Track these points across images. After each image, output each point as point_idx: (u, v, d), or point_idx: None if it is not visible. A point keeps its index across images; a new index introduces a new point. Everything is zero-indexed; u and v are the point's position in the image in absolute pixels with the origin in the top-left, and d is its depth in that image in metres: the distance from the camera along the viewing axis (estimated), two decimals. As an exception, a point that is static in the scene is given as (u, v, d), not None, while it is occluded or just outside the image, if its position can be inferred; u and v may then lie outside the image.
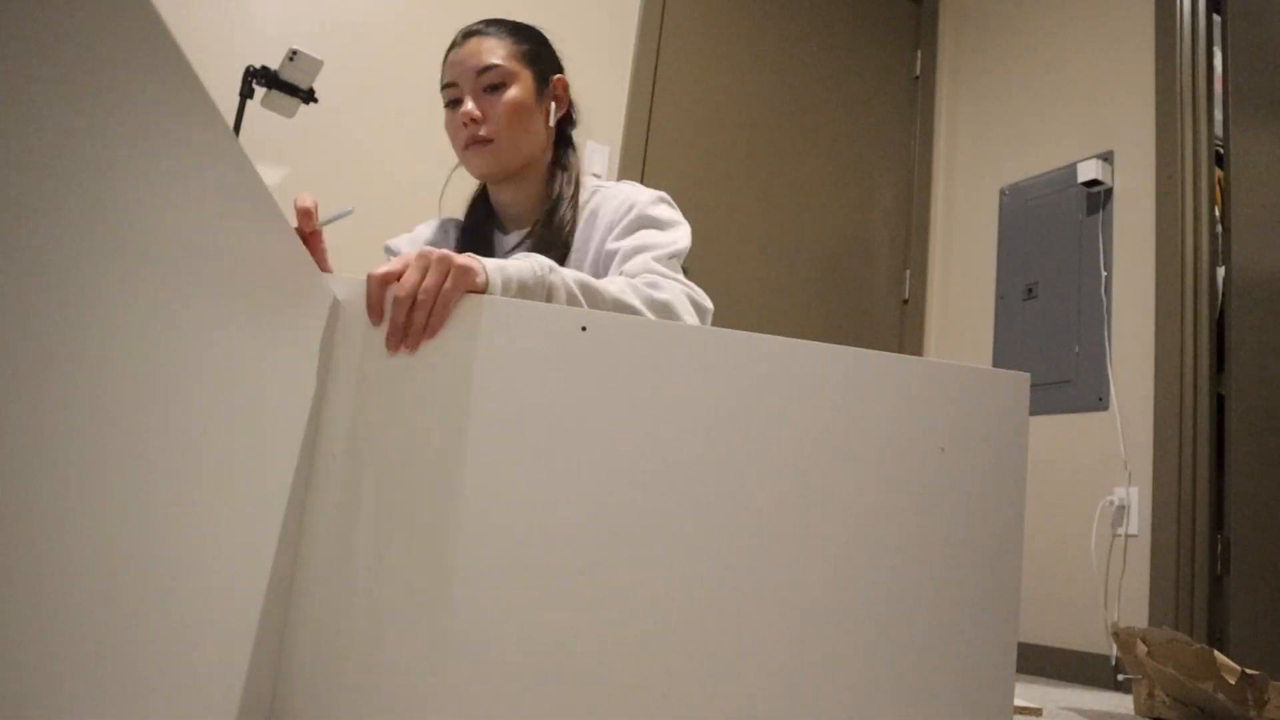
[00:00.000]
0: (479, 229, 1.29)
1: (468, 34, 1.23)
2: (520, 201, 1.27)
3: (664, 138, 2.97)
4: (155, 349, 0.39)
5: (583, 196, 1.26)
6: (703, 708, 0.72)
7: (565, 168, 1.27)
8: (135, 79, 0.33)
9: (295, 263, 0.61)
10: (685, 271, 1.16)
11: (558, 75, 1.28)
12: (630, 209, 1.19)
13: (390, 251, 1.35)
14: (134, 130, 0.34)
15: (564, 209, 1.23)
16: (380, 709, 0.69)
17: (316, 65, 1.96)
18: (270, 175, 2.42)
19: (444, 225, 1.34)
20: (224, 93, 2.22)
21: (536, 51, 1.25)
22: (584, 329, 0.73)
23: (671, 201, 1.24)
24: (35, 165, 0.27)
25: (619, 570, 0.72)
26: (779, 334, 0.79)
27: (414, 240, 1.35)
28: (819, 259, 3.22)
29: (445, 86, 1.23)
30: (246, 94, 1.95)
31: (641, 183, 2.87)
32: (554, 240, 1.20)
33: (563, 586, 0.71)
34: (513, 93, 1.21)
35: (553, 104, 1.26)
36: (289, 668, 0.68)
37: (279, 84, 1.95)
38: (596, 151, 2.85)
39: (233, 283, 0.48)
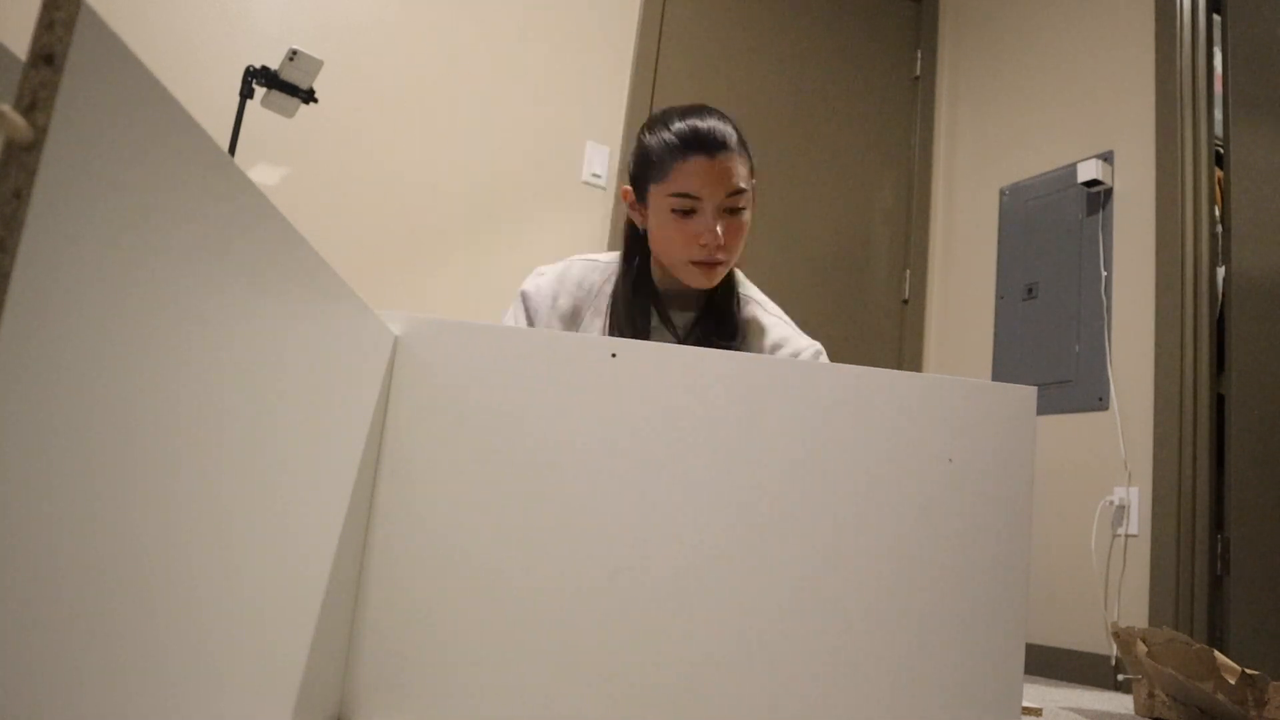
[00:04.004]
0: (638, 301, 1.26)
1: (717, 146, 1.17)
2: (680, 282, 1.25)
3: (664, 138, 2.97)
4: (235, 377, 0.40)
5: (737, 296, 1.29)
6: (722, 706, 0.76)
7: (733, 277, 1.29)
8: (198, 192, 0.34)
9: (359, 309, 0.66)
10: None
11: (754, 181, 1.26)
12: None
13: (527, 299, 1.29)
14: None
15: (732, 301, 1.26)
16: (443, 707, 0.75)
17: (316, 65, 1.96)
18: (270, 175, 2.42)
19: (586, 278, 1.29)
20: (224, 93, 2.22)
21: (752, 169, 1.23)
22: (614, 355, 0.81)
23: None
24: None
25: (647, 578, 0.78)
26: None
27: (555, 293, 1.28)
28: (819, 259, 3.22)
29: (679, 194, 1.17)
30: (246, 94, 1.95)
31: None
32: (727, 331, 1.24)
33: (597, 595, 0.78)
34: (745, 217, 1.21)
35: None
36: (356, 669, 0.76)
37: (279, 84, 1.96)
38: (596, 151, 2.85)
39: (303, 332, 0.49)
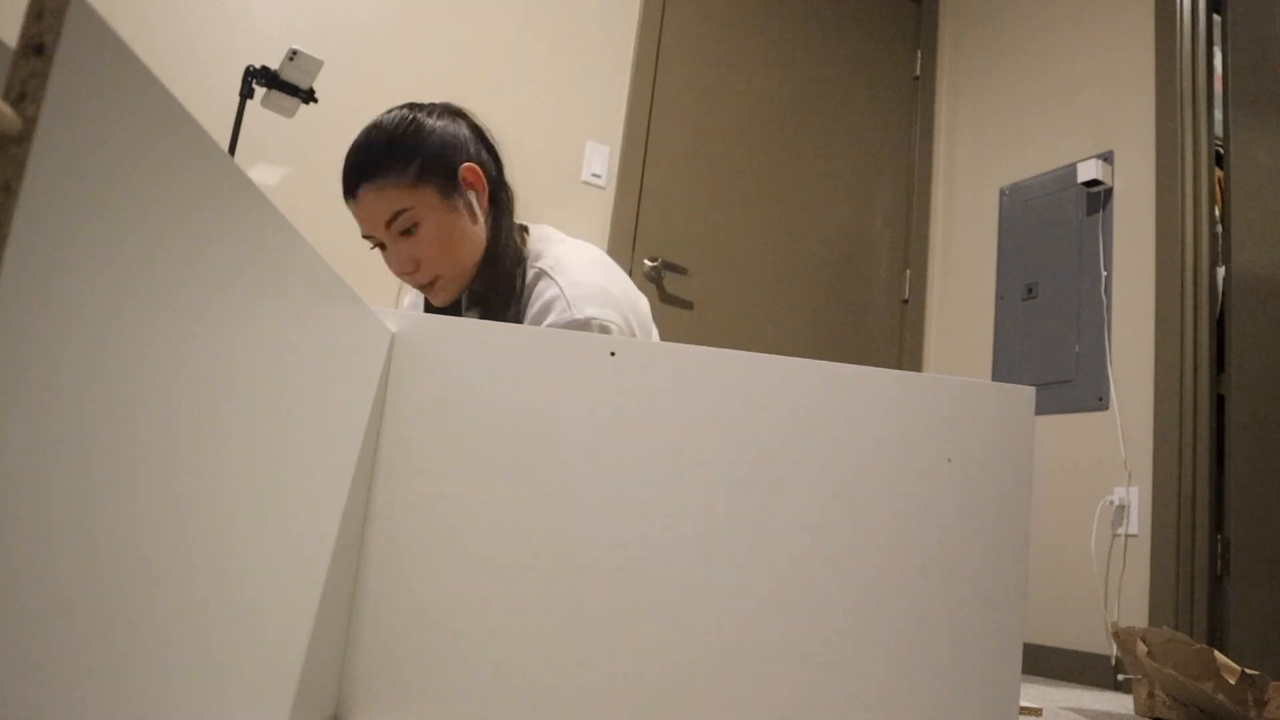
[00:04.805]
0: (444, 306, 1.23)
1: (354, 184, 1.10)
2: (476, 280, 1.20)
3: (664, 138, 2.97)
4: (231, 378, 0.39)
5: (529, 274, 1.18)
6: (721, 704, 0.76)
7: (501, 250, 1.18)
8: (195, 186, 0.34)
9: (356, 307, 0.66)
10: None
11: (464, 164, 1.15)
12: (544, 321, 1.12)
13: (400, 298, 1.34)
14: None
15: (506, 290, 1.17)
16: (441, 706, 0.75)
17: (316, 65, 1.96)
18: (270, 175, 2.42)
19: None
20: (224, 93, 2.22)
21: (428, 161, 1.11)
22: (612, 354, 0.81)
23: (603, 315, 1.11)
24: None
25: (646, 576, 0.78)
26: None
27: (414, 305, 1.32)
28: (819, 259, 3.22)
29: (364, 236, 1.14)
30: (246, 94, 1.94)
31: (641, 184, 2.86)
32: (501, 319, 1.15)
33: (595, 592, 0.77)
34: (428, 228, 1.11)
35: (471, 195, 1.15)
36: (353, 667, 0.76)
37: (279, 84, 1.95)
38: (596, 151, 2.85)
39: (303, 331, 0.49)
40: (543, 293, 1.14)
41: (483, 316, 1.18)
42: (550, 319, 1.11)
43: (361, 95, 2.55)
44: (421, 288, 1.16)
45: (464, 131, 1.17)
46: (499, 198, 1.20)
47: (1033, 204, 3.02)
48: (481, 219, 1.17)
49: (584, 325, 1.09)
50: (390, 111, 1.15)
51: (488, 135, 1.21)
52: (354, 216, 1.14)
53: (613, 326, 1.12)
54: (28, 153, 0.24)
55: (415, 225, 1.10)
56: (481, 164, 1.17)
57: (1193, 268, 2.54)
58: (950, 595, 0.78)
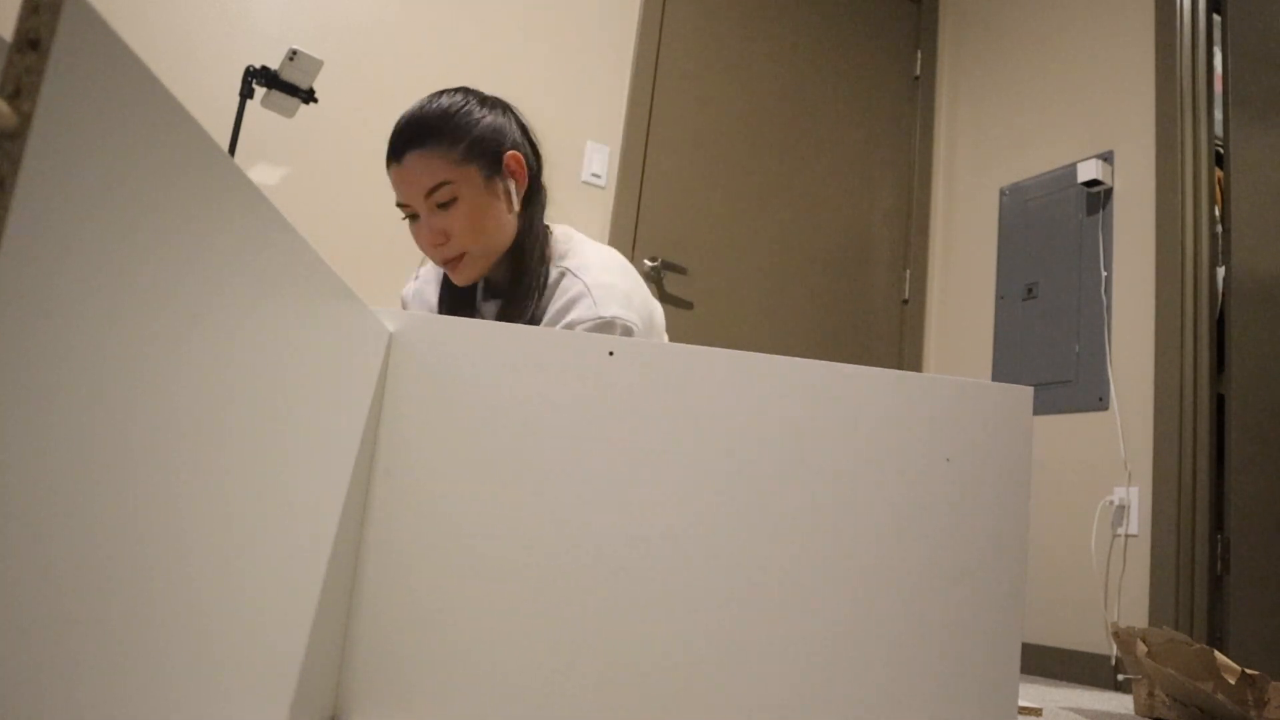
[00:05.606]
0: (462, 291, 1.25)
1: (401, 149, 1.13)
2: (497, 270, 1.21)
3: (664, 138, 2.97)
4: (228, 376, 0.39)
5: (552, 274, 1.20)
6: (719, 704, 0.76)
7: (528, 244, 1.20)
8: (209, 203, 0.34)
9: (355, 306, 0.65)
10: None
11: (509, 152, 1.18)
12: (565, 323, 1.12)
13: (404, 303, 1.33)
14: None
15: (529, 285, 1.18)
16: (439, 706, 0.74)
17: (316, 65, 1.96)
18: (270, 175, 2.42)
19: (440, 274, 1.30)
20: (224, 93, 2.22)
21: (477, 141, 1.14)
22: (611, 354, 0.81)
23: (626, 317, 1.13)
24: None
25: (644, 575, 0.78)
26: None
27: (419, 292, 1.31)
28: (819, 259, 3.22)
29: (398, 204, 1.16)
30: (246, 94, 1.94)
31: (641, 184, 2.86)
32: (520, 315, 1.17)
33: (594, 591, 0.77)
34: (466, 204, 1.13)
35: (511, 184, 1.18)
36: (351, 667, 0.76)
37: (279, 84, 1.95)
38: (596, 151, 2.85)
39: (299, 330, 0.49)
40: (567, 289, 1.16)
41: (501, 310, 1.19)
42: (574, 314, 1.13)
43: (361, 95, 2.55)
44: (446, 263, 1.16)
45: (513, 124, 1.21)
46: (534, 194, 1.23)
47: (1033, 204, 3.01)
48: (515, 209, 1.19)
49: (608, 324, 1.11)
50: (445, 92, 1.18)
51: (531, 134, 1.25)
52: (394, 183, 1.14)
53: (635, 329, 1.14)
54: (23, 149, 0.24)
55: (454, 199, 1.12)
56: (525, 156, 1.20)
57: (1193, 268, 2.54)
58: (949, 595, 0.78)
